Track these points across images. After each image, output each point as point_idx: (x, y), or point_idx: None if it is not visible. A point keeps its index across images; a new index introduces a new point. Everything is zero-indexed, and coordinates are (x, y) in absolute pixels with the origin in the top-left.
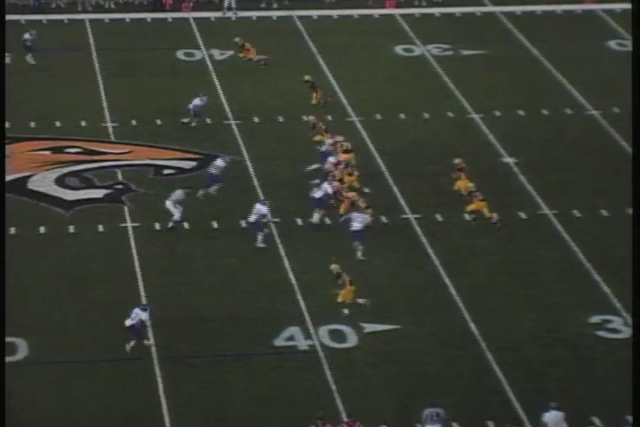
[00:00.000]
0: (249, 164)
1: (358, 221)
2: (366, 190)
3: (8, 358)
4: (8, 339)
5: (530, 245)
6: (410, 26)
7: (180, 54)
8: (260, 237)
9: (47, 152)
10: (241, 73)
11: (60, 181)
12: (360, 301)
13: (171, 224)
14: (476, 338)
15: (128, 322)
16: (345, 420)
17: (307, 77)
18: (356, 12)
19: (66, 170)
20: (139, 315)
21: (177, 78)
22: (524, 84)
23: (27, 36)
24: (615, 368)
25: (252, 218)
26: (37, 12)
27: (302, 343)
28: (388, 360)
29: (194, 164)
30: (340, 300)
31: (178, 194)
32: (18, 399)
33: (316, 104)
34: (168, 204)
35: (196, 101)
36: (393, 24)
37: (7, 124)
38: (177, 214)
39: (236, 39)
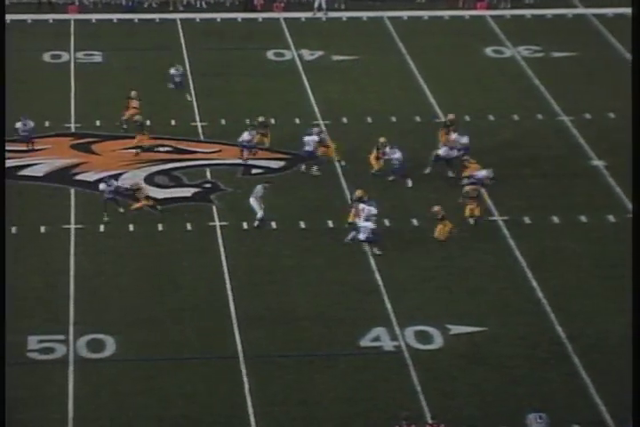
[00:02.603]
0: (337, 164)
1: (363, 231)
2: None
3: (96, 355)
4: (97, 336)
5: (618, 248)
6: (500, 27)
7: (270, 54)
8: (374, 249)
9: (137, 150)
10: (330, 73)
11: (150, 180)
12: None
13: (256, 223)
14: (562, 341)
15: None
16: (429, 421)
17: (261, 119)
18: (446, 13)
19: (155, 168)
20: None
21: (266, 78)
22: (615, 86)
23: (173, 71)
24: None
25: (362, 236)
26: (130, 12)
27: (388, 344)
28: (474, 362)
29: (282, 163)
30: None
31: (258, 190)
32: (105, 396)
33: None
34: (251, 200)
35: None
36: (483, 25)
37: (97, 123)
38: (260, 212)
39: (261, 119)
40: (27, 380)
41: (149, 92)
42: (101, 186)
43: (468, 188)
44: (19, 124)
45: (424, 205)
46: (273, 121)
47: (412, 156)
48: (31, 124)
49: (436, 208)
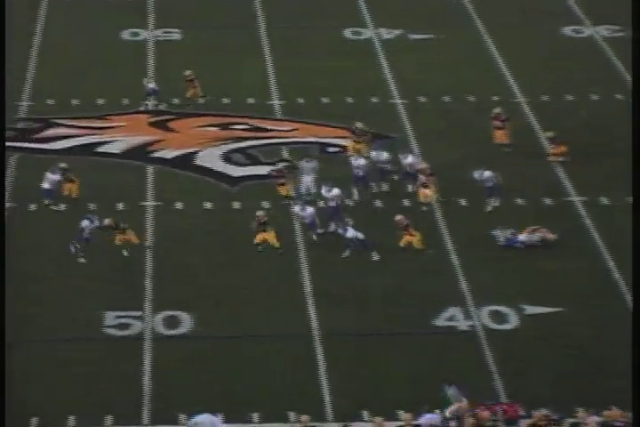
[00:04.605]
0: (413, 143)
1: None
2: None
3: (172, 331)
4: (173, 312)
5: None
6: (579, 6)
7: (347, 33)
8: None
9: (214, 128)
10: (408, 52)
11: (227, 158)
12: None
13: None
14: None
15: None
16: (504, 401)
17: (187, 72)
18: None
19: (232, 146)
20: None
21: (344, 57)
22: None
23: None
24: None
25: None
26: None
27: (462, 324)
28: (549, 343)
29: None
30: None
31: (306, 167)
32: (180, 373)
33: (187, 98)
34: (307, 179)
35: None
36: (562, 4)
37: (175, 100)
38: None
39: (187, 72)
40: (103, 356)
41: (227, 70)
42: (84, 222)
43: (398, 217)
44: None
45: (501, 182)
46: (350, 100)
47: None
48: (152, 85)
49: (399, 217)
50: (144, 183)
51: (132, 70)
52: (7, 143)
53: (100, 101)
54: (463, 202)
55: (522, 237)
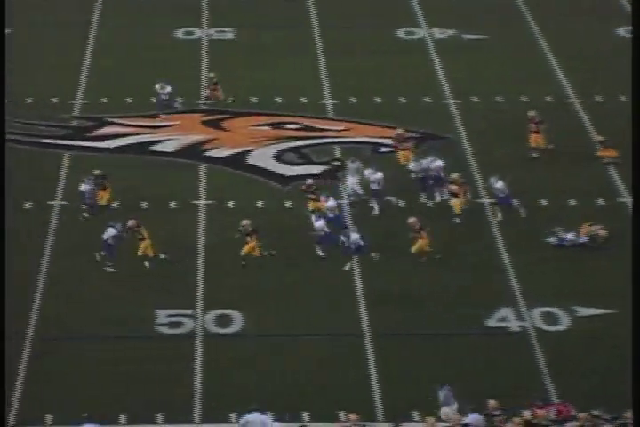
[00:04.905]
0: (465, 143)
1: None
2: None
3: (224, 330)
4: (224, 311)
5: None
6: (633, 6)
7: (400, 33)
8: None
9: (267, 128)
10: (460, 52)
11: (279, 157)
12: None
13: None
14: None
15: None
16: (556, 402)
17: (211, 75)
18: None
19: (285, 146)
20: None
21: (397, 56)
22: None
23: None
24: None
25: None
26: None
27: (514, 325)
28: (601, 344)
29: (411, 141)
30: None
31: (351, 168)
32: (232, 371)
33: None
34: (352, 180)
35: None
36: (615, 4)
37: (230, 100)
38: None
39: (211, 74)
40: (155, 354)
41: (281, 69)
42: (109, 230)
43: (411, 220)
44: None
45: (551, 183)
46: (402, 100)
47: (546, 134)
48: (168, 88)
49: (412, 220)
50: (197, 182)
51: (186, 69)
52: (60, 141)
53: (154, 100)
54: (515, 202)
55: (569, 235)
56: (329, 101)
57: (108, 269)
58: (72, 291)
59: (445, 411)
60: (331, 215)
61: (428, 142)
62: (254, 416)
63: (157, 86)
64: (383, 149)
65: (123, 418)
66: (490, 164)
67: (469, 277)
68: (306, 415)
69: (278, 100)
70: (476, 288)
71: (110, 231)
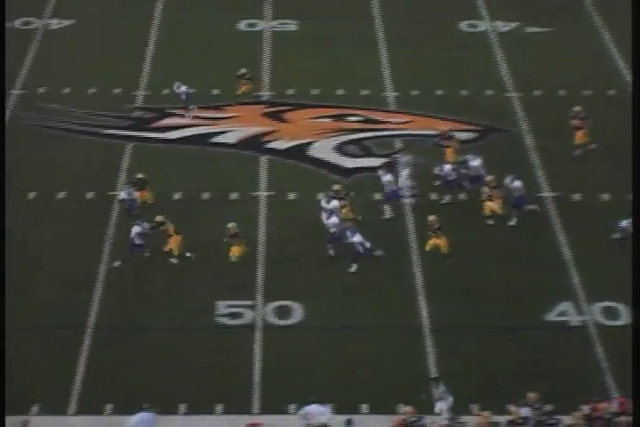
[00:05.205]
0: (526, 137)
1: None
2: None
3: (283, 322)
4: (284, 302)
5: None
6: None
7: (463, 25)
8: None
9: (328, 120)
10: (523, 45)
11: (340, 149)
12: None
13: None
14: None
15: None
16: (615, 397)
17: (243, 70)
18: None
19: (346, 138)
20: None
21: (459, 49)
22: None
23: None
24: None
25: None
26: None
27: (574, 319)
28: None
29: (473, 135)
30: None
31: (403, 161)
32: (290, 363)
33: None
34: (403, 174)
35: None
36: None
37: (289, 92)
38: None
39: (243, 70)
40: (215, 344)
41: (343, 61)
42: (135, 228)
43: (431, 218)
44: (181, 88)
45: (613, 178)
46: (464, 92)
47: (608, 128)
48: (183, 88)
49: (432, 218)
50: (257, 174)
51: (249, 61)
52: (122, 132)
53: (216, 91)
54: (577, 196)
55: (625, 222)
56: (390, 94)
57: (116, 264)
58: (133, 281)
59: (440, 406)
60: (333, 230)
61: (491, 136)
62: (313, 408)
63: (174, 86)
64: (444, 143)
65: (182, 408)
66: (551, 158)
67: (530, 271)
68: (364, 408)
69: (340, 92)
70: (537, 283)
71: (136, 229)
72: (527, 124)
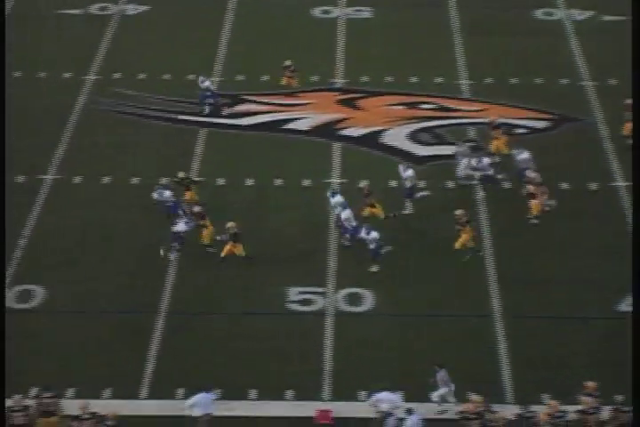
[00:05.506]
0: (601, 126)
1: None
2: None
3: (354, 309)
4: (355, 289)
5: None
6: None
7: (538, 13)
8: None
9: (402, 107)
10: (599, 34)
11: (413, 137)
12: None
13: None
14: None
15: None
16: None
17: (288, 62)
18: None
19: (419, 125)
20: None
21: (534, 37)
22: None
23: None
24: None
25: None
26: None
27: None
28: None
29: (547, 124)
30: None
31: (461, 151)
32: (361, 350)
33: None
34: (463, 163)
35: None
36: None
37: (364, 79)
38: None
39: (287, 62)
40: (286, 331)
41: (417, 49)
42: (180, 226)
43: (458, 212)
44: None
45: None
46: (539, 80)
47: None
48: (207, 82)
49: (459, 212)
50: (330, 161)
51: (323, 48)
52: (196, 118)
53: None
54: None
55: None
56: (464, 82)
57: (172, 257)
58: (206, 266)
59: (440, 393)
60: (346, 225)
61: (565, 125)
62: (383, 395)
63: (198, 80)
64: (519, 131)
65: (253, 393)
66: (623, 147)
67: (601, 261)
68: (435, 395)
69: (414, 79)
70: (608, 272)
71: (180, 226)
72: (603, 113)
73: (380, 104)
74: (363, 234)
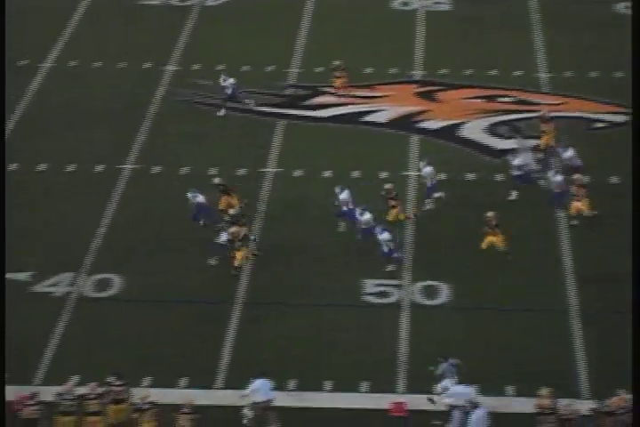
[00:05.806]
0: None
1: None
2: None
3: (430, 302)
4: (432, 282)
5: None
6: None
7: (618, 7)
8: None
9: (480, 100)
10: None
11: (491, 130)
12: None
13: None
14: None
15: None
16: None
17: (337, 62)
18: None
19: (497, 119)
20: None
21: (614, 30)
22: None
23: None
24: None
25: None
26: None
27: None
28: None
29: (626, 118)
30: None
31: (520, 147)
32: (436, 342)
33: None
34: (524, 157)
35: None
36: None
37: (442, 71)
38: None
39: (337, 62)
40: (361, 323)
41: (495, 41)
42: (224, 236)
43: (489, 214)
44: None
45: None
46: (619, 74)
47: None
48: (230, 80)
49: (490, 214)
50: (407, 153)
51: (401, 40)
52: (274, 109)
53: (368, 70)
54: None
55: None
56: (543, 75)
57: (213, 262)
58: (281, 258)
59: (444, 385)
60: (364, 227)
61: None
62: (459, 389)
63: (221, 79)
64: (598, 125)
65: (328, 384)
66: None
67: None
68: (509, 389)
69: (492, 72)
70: None
71: (223, 237)
72: None
73: (458, 97)
74: (376, 233)
